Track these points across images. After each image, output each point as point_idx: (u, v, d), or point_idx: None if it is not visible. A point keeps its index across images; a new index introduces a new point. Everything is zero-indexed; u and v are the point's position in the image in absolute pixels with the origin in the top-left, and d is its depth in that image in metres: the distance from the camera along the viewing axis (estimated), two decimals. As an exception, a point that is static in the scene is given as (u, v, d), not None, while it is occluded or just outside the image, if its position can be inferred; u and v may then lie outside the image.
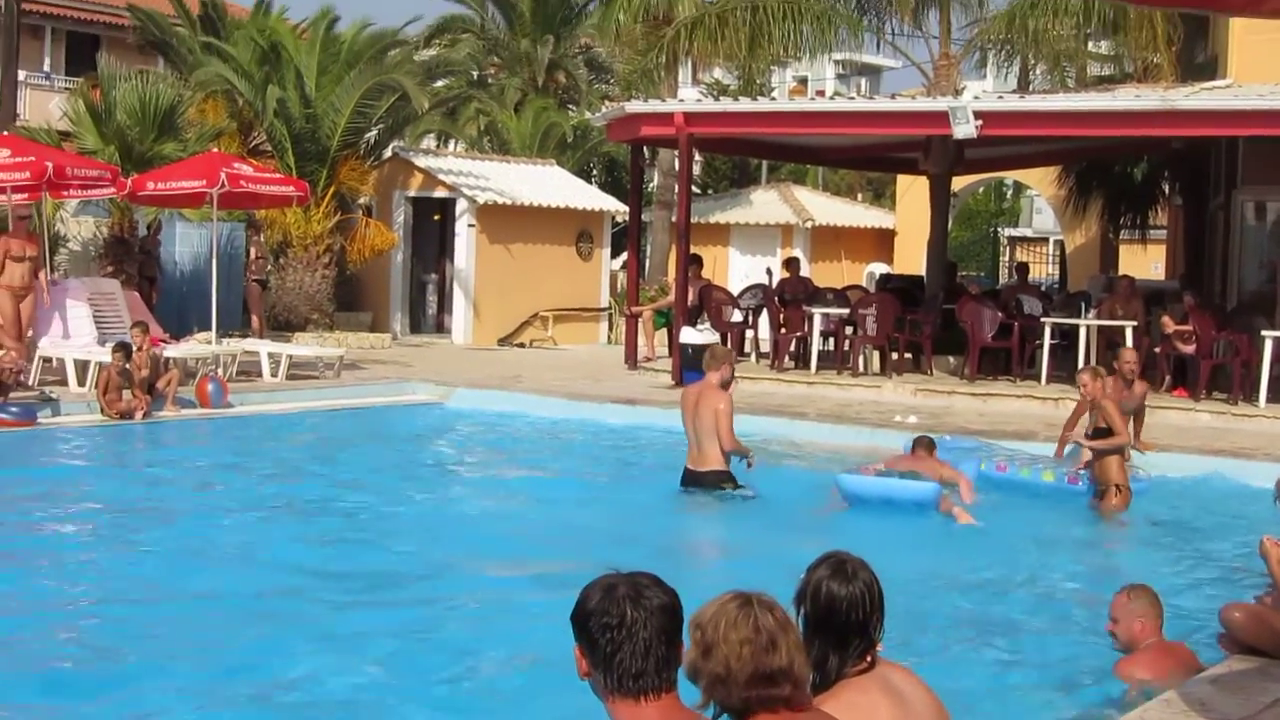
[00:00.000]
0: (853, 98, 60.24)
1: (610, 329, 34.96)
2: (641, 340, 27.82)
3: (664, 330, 27.94)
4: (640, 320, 27.91)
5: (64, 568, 11.81)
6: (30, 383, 20.34)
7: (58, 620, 10.10)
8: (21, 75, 35.57)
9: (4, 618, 10.06)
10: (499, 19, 47.34)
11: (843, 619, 5.14)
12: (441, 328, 33.95)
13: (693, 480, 14.66)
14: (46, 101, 41.81)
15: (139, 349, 19.53)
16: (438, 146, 41.97)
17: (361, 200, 32.34)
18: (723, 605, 4.49)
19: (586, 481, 16.98)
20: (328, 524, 13.95)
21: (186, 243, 29.23)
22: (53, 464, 17.09)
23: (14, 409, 18.46)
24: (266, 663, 9.19)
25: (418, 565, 12.24)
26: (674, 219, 38.02)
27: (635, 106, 26.45)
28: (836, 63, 74.85)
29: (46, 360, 21.43)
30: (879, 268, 37.65)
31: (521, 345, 32.68)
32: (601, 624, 4.31)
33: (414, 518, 14.53)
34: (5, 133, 25.83)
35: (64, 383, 20.98)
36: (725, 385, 14.62)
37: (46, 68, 46.56)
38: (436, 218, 33.89)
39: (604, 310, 35.23)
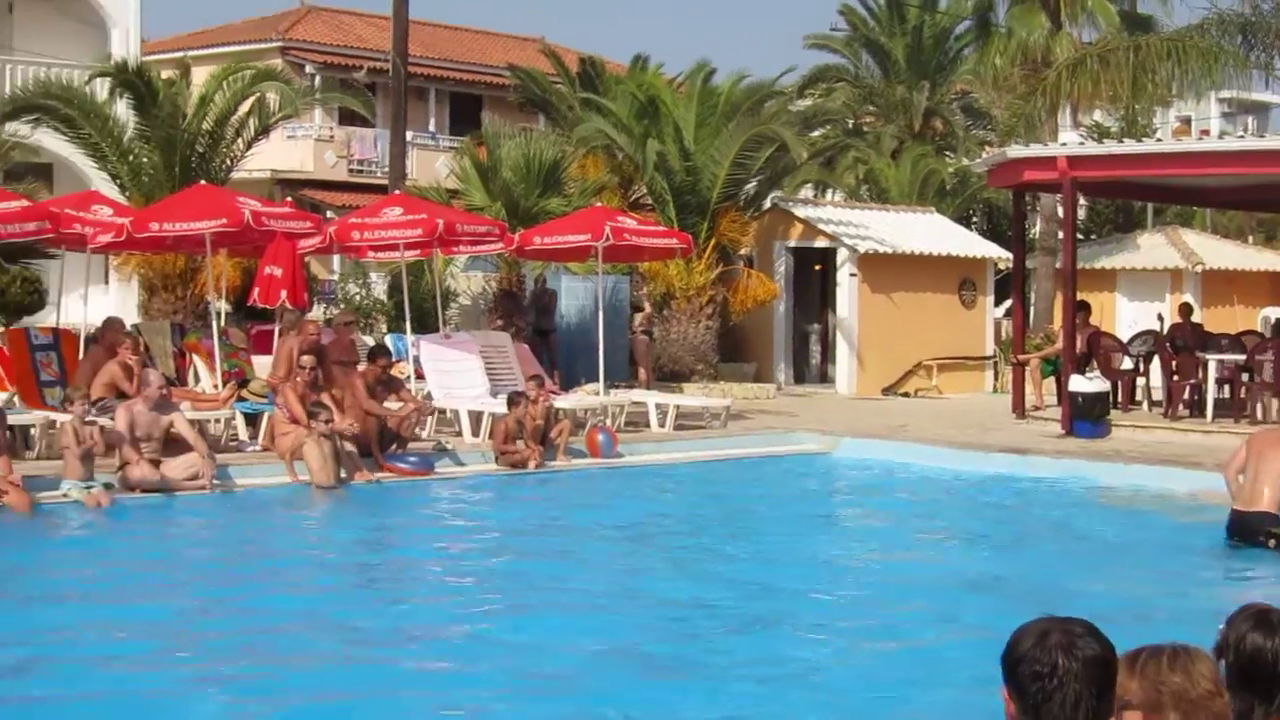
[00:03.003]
0: (1240, 136, 58.11)
1: (996, 377, 34.14)
2: (1029, 389, 27.06)
3: (1052, 378, 27.17)
4: (1027, 368, 27.15)
5: (472, 618, 11.76)
6: (426, 434, 20.64)
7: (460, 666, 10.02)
8: (409, 136, 36.44)
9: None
10: (873, 67, 47.02)
11: (1268, 671, 4.81)
12: (825, 377, 33.60)
13: (1239, 523, 14.05)
14: (433, 161, 42.97)
15: (534, 401, 19.65)
16: (816, 196, 41.69)
17: (742, 251, 32.23)
18: (1155, 654, 4.43)
19: (978, 531, 16.59)
20: (721, 570, 13.76)
21: (572, 296, 29.47)
22: (451, 512, 17.29)
23: (412, 459, 18.77)
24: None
25: (810, 612, 12.06)
26: (1058, 265, 37.11)
27: (1017, 151, 25.79)
28: (1222, 100, 72.35)
29: (441, 412, 21.71)
30: (1275, 312, 36.00)
31: (906, 395, 32.12)
32: (1031, 671, 4.08)
33: (805, 566, 14.22)
34: (397, 191, 26.40)
35: (458, 433, 21.20)
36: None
37: (432, 128, 47.88)
38: (818, 267, 33.60)
39: (989, 359, 34.44)
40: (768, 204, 33.64)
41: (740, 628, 11.29)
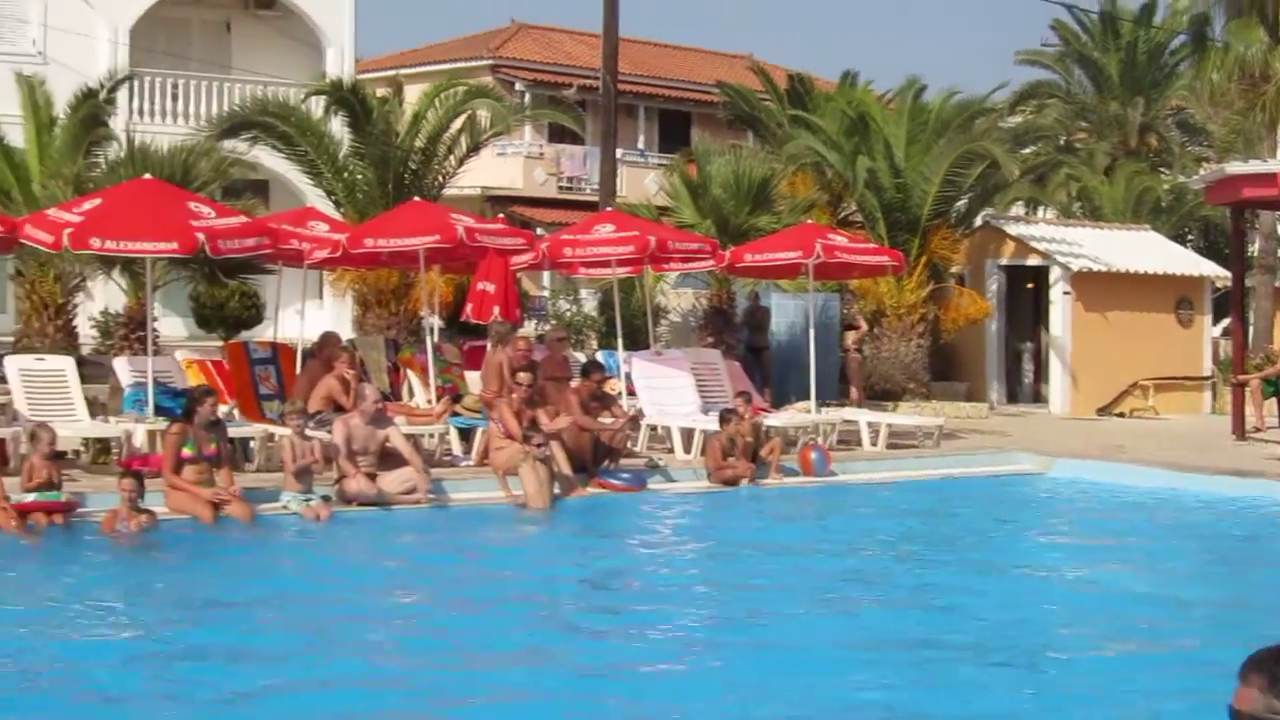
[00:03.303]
0: None
1: (1214, 398, 33.32)
2: (1249, 409, 26.38)
3: (1273, 399, 26.47)
4: (1247, 389, 26.47)
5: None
6: (638, 449, 20.62)
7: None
8: (619, 153, 36.53)
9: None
10: (1086, 83, 46.37)
11: None
12: (1038, 397, 33.04)
13: None
14: (642, 178, 43.11)
15: (743, 418, 19.54)
16: (1027, 214, 41.08)
17: (954, 269, 31.84)
18: None
19: (1201, 556, 16.16)
20: (935, 591, 13.58)
21: (782, 313, 29.27)
22: (664, 528, 17.27)
23: (625, 475, 18.76)
24: None
25: (1027, 637, 11.78)
26: (1278, 284, 36.21)
27: (1235, 168, 25.19)
28: None
29: (653, 428, 21.68)
30: None
31: (1121, 415, 31.47)
32: None
33: (1022, 589, 13.97)
34: (608, 208, 26.46)
35: (670, 450, 21.15)
36: None
37: (641, 145, 48.06)
38: (1030, 286, 33.07)
39: (1207, 379, 33.63)
40: (979, 221, 33.19)
41: (978, 654, 11.06)
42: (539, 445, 17.33)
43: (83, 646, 10.67)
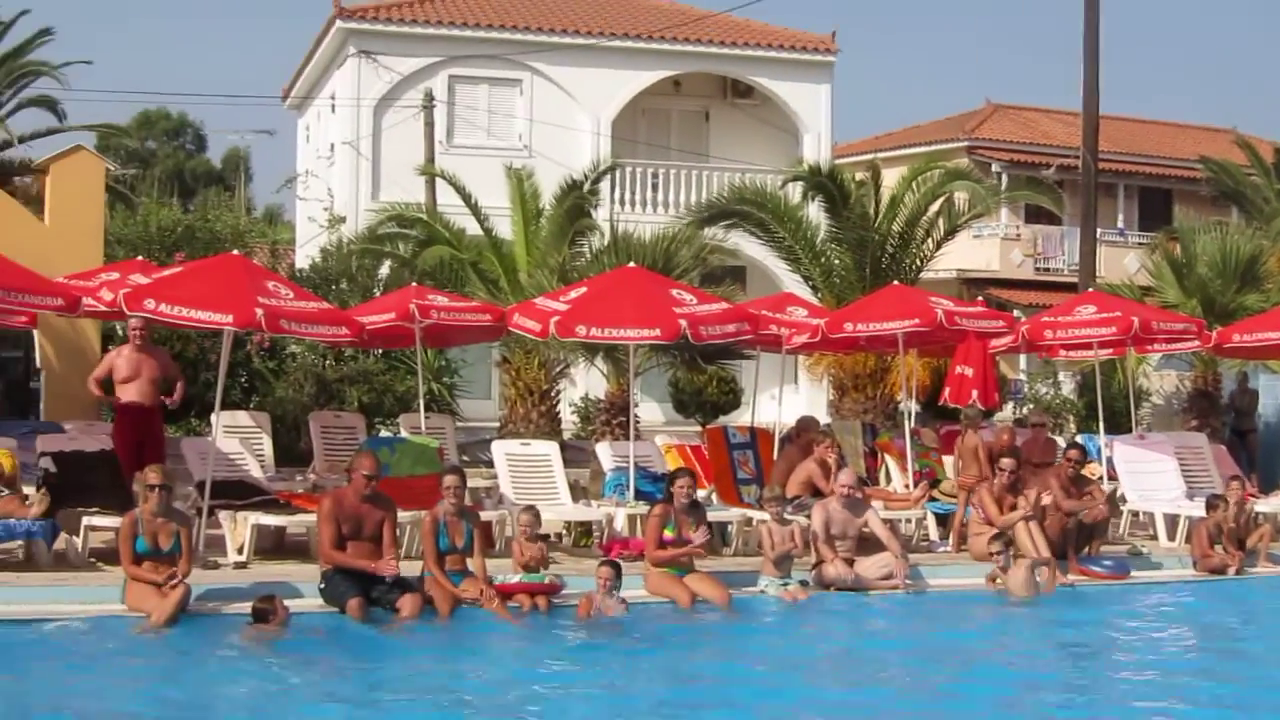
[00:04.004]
0: None
1: None
2: None
3: None
4: None
5: None
6: (1120, 535, 20.12)
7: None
8: (1098, 232, 35.85)
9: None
10: None
11: None
12: None
13: None
14: (1121, 257, 42.26)
15: (1230, 503, 18.87)
16: None
17: None
18: None
19: None
20: None
21: (1271, 395, 28.20)
22: (1151, 617, 16.80)
23: (1107, 562, 18.30)
24: None
25: None
26: None
27: None
28: None
29: (1135, 514, 21.11)
30: None
31: None
32: None
33: None
34: (1089, 289, 25.99)
35: (1153, 536, 20.55)
36: None
37: (1120, 224, 47.08)
38: None
39: None
40: None
41: None
42: (997, 554, 17.07)
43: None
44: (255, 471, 18.41)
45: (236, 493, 17.07)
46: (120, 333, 20.58)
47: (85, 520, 15.92)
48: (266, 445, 20.19)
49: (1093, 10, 31.04)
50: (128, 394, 18.25)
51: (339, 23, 38.40)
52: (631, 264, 20.65)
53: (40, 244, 23.61)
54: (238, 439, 19.25)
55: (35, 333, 24.53)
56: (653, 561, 15.89)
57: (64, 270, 21.39)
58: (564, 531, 19.06)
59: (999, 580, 16.93)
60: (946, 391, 22.85)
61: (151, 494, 14.12)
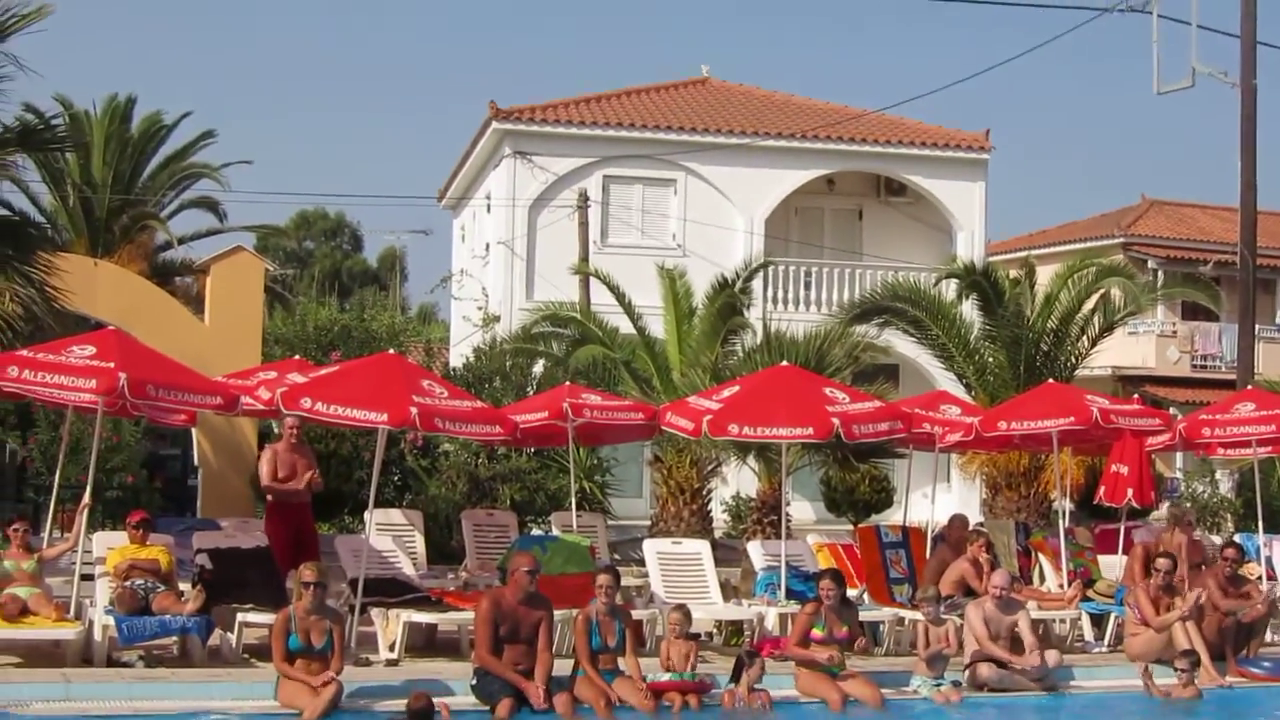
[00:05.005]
0: None
1: None
2: None
3: None
4: None
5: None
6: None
7: None
8: (1256, 329, 35.36)
9: None
10: None
11: None
12: None
13: None
14: (1278, 353, 41.53)
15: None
16: None
17: None
18: None
19: None
20: None
21: None
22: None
23: (1266, 663, 17.96)
24: None
25: None
26: None
27: None
28: None
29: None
30: None
31: None
32: None
33: None
34: (1249, 386, 25.58)
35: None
36: None
37: (1278, 320, 46.40)
38: None
39: None
40: None
41: None
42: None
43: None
44: (408, 569, 18.59)
45: (389, 590, 17.26)
46: (275, 430, 20.92)
47: (240, 616, 16.19)
48: (419, 543, 20.34)
49: (1249, 105, 30.79)
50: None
51: (495, 124, 38.93)
52: (784, 362, 20.70)
53: (200, 343, 24.16)
54: (390, 536, 19.42)
55: (194, 430, 25.01)
56: (788, 652, 15.88)
57: (223, 369, 21.83)
58: (715, 630, 19.04)
59: (1152, 681, 16.65)
60: (1102, 490, 22.52)
61: (306, 591, 14.31)
